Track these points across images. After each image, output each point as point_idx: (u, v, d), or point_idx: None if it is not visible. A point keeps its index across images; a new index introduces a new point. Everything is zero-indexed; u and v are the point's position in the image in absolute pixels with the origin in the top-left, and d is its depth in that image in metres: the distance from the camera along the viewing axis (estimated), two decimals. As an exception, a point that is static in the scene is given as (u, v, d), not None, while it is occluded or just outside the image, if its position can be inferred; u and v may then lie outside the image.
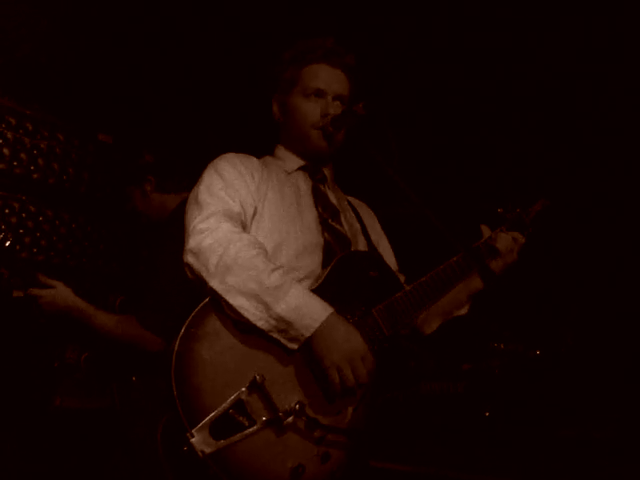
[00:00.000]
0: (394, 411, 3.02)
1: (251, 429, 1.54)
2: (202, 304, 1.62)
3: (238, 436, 1.52)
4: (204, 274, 1.61)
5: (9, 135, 3.26)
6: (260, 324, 1.59)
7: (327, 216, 1.96)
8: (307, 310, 1.59)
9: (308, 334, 1.59)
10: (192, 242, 1.65)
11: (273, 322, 1.59)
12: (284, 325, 1.59)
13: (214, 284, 1.59)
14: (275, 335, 1.60)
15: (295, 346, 1.61)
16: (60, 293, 2.32)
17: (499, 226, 1.99)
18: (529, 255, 2.03)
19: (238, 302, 1.58)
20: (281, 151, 2.10)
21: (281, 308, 1.58)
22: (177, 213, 2.42)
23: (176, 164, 2.64)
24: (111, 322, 2.28)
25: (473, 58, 3.60)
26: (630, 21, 3.18)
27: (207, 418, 1.50)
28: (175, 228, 2.15)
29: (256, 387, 1.56)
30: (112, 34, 2.81)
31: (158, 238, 2.53)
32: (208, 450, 1.48)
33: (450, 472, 2.80)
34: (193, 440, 1.47)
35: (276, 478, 1.55)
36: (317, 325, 1.58)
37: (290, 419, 1.56)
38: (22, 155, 3.30)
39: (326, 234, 1.91)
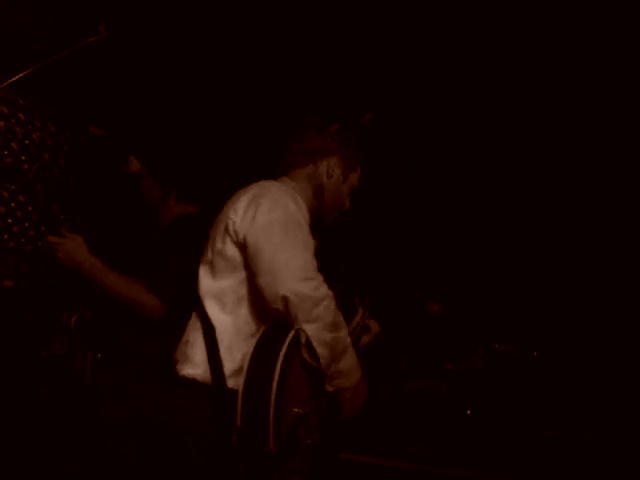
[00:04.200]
0: (379, 408, 3.10)
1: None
2: (289, 341, 1.82)
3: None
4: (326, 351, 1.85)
5: (1, 124, 3.23)
6: None
7: None
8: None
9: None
10: (325, 314, 1.84)
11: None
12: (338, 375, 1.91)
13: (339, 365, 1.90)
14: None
15: (330, 389, 1.92)
16: (78, 245, 2.38)
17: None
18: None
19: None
20: (299, 200, 2.15)
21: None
22: (183, 221, 2.54)
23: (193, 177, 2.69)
24: (122, 282, 2.33)
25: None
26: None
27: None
28: (177, 236, 2.44)
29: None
30: (114, 27, 2.81)
31: (159, 234, 2.57)
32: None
33: (431, 467, 2.89)
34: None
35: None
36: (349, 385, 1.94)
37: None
38: (13, 145, 3.28)
39: None
